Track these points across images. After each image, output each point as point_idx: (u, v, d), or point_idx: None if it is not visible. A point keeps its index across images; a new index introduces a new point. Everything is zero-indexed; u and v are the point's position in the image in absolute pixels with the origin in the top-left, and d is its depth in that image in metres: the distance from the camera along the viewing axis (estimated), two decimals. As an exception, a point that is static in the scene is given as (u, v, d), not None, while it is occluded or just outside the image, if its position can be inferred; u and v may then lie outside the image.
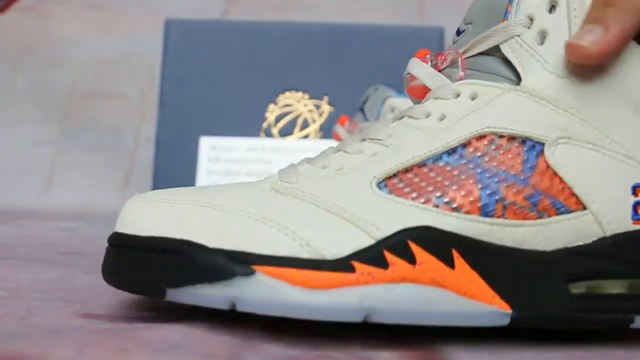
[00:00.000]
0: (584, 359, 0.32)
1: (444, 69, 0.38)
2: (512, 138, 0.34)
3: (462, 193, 0.33)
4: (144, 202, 0.34)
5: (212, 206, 0.33)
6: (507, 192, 0.33)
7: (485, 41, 0.36)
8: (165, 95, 1.06)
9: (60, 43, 1.25)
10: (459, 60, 0.37)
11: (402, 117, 0.37)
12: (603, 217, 0.34)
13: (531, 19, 0.35)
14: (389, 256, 0.31)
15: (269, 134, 1.04)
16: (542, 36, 0.35)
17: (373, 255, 0.31)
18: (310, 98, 1.06)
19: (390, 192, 0.33)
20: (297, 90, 1.06)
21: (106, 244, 0.35)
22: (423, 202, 0.33)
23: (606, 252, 0.34)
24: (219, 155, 1.03)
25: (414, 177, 0.34)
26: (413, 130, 0.35)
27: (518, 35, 0.35)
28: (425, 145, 0.34)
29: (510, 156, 0.34)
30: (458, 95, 0.36)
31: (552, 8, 0.35)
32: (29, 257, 0.57)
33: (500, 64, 0.36)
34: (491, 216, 0.33)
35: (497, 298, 0.32)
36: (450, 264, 0.32)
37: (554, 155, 0.34)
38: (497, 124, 0.34)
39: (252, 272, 0.31)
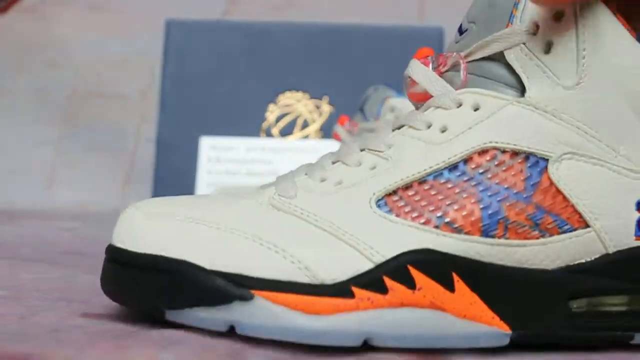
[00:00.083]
0: None
1: (445, 72, 0.37)
2: (515, 153, 0.33)
3: (463, 213, 0.32)
4: (140, 216, 0.34)
5: (209, 224, 0.32)
6: (509, 211, 0.33)
7: (489, 46, 0.35)
8: (165, 95, 1.06)
9: (61, 43, 1.25)
10: (461, 64, 0.35)
11: (402, 126, 0.36)
12: (606, 234, 0.33)
13: (537, 26, 0.34)
14: (388, 281, 0.31)
15: (269, 134, 1.05)
16: (548, 45, 0.34)
17: (372, 281, 0.31)
18: (310, 98, 1.06)
19: (390, 211, 0.33)
20: (297, 90, 1.06)
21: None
22: (423, 223, 0.32)
23: (608, 268, 0.33)
24: (219, 155, 1.03)
25: (414, 194, 0.33)
26: (413, 142, 0.34)
27: (523, 43, 0.34)
28: (425, 161, 0.33)
29: (512, 173, 0.33)
30: (460, 105, 0.35)
31: (558, 15, 0.34)
32: (30, 257, 0.57)
33: (504, 70, 0.35)
34: (492, 237, 0.32)
35: (497, 319, 0.32)
36: (450, 287, 0.31)
37: (558, 172, 0.33)
38: (500, 138, 0.33)
39: (251, 297, 0.31)
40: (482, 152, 0.33)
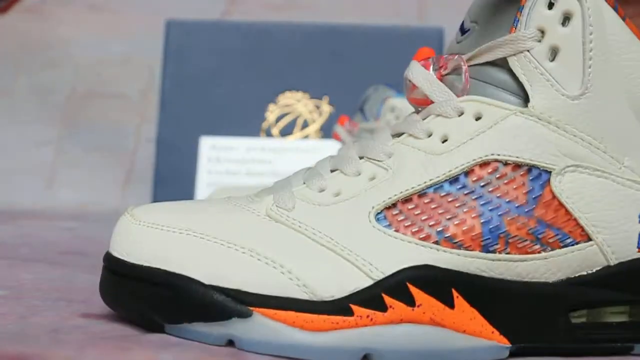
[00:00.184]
0: None
1: (445, 75, 0.36)
2: (517, 166, 0.33)
3: (464, 228, 0.32)
4: (138, 225, 0.33)
5: (207, 237, 0.32)
6: (510, 226, 0.32)
7: (491, 51, 0.34)
8: (165, 95, 1.06)
9: (61, 43, 1.25)
10: (463, 68, 0.35)
11: (402, 134, 0.35)
12: (609, 247, 0.33)
13: (542, 32, 0.33)
14: (387, 299, 0.31)
15: (269, 134, 1.05)
16: (554, 52, 0.33)
17: (371, 298, 0.31)
18: (310, 98, 1.06)
19: (389, 225, 0.32)
20: (297, 90, 1.06)
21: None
22: (423, 238, 0.32)
23: (609, 280, 0.33)
24: (219, 155, 1.03)
25: (414, 208, 0.33)
26: (413, 151, 0.34)
27: (527, 50, 0.33)
28: (426, 172, 0.33)
29: (514, 186, 0.33)
30: (461, 114, 0.34)
31: (565, 20, 0.33)
32: (30, 257, 0.57)
33: (507, 76, 0.34)
34: (493, 252, 0.32)
35: (496, 334, 0.32)
36: (449, 304, 0.31)
37: (560, 185, 0.33)
38: (502, 150, 0.33)
39: (250, 314, 0.31)
40: (484, 164, 0.33)
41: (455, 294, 0.31)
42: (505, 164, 0.33)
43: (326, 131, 1.03)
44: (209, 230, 0.32)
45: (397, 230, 0.32)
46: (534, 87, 0.33)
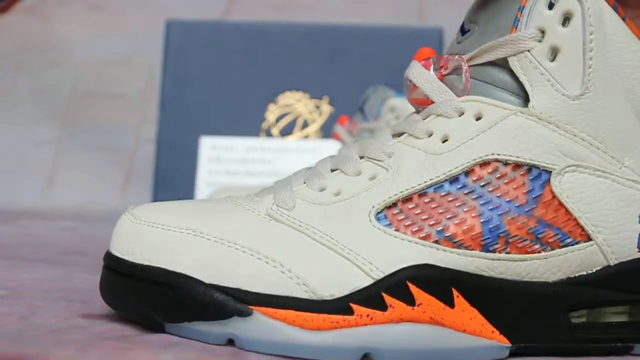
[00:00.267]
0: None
1: (446, 75, 0.36)
2: (517, 166, 0.33)
3: (464, 228, 0.32)
4: (139, 225, 0.33)
5: (207, 236, 0.32)
6: (510, 225, 0.32)
7: (492, 51, 0.34)
8: (165, 95, 1.06)
9: (61, 43, 1.25)
10: (463, 68, 0.35)
11: (402, 134, 0.35)
12: (609, 247, 0.33)
13: (543, 32, 0.33)
14: (387, 298, 0.31)
15: (269, 134, 1.05)
16: (554, 52, 0.33)
17: (371, 297, 0.31)
18: (311, 98, 1.06)
19: (390, 225, 0.32)
20: (297, 90, 1.06)
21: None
22: (423, 237, 0.32)
23: (609, 280, 0.33)
24: (220, 155, 1.03)
25: (415, 207, 0.33)
26: (414, 151, 0.34)
27: (528, 50, 0.33)
28: (426, 172, 0.33)
29: (514, 186, 0.33)
30: (462, 114, 0.34)
31: (566, 20, 0.33)
32: (30, 257, 0.57)
33: (507, 76, 0.34)
34: (493, 251, 0.32)
35: (496, 333, 0.32)
36: (449, 303, 0.31)
37: (560, 184, 0.33)
38: (503, 150, 0.33)
39: (250, 313, 0.31)
40: (484, 164, 0.33)
41: (455, 293, 0.31)
42: (506, 163, 0.33)
43: (326, 131, 1.03)
44: (209, 229, 0.32)
45: (397, 230, 0.32)
46: (534, 87, 0.33)
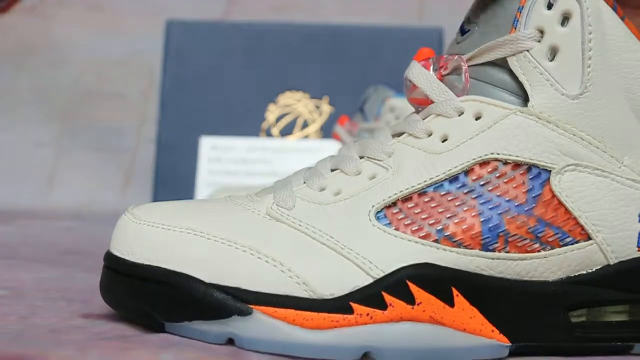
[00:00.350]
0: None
1: (446, 75, 0.36)
2: (517, 165, 0.33)
3: (464, 227, 0.32)
4: (139, 225, 0.33)
5: (207, 236, 0.32)
6: (510, 224, 0.32)
7: (491, 51, 0.34)
8: (166, 95, 1.06)
9: (61, 44, 1.25)
10: (463, 68, 0.35)
11: (402, 133, 0.35)
12: (608, 246, 0.33)
13: (542, 32, 0.33)
14: (387, 297, 0.31)
15: (269, 134, 1.05)
16: (553, 52, 0.33)
17: (371, 296, 0.31)
18: (311, 98, 1.06)
19: (389, 224, 0.32)
20: (297, 90, 1.06)
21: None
22: (423, 236, 0.32)
23: (609, 279, 0.33)
24: (220, 155, 1.03)
25: (414, 206, 0.33)
26: (414, 151, 0.34)
27: (527, 50, 0.33)
28: (426, 171, 0.33)
29: (514, 185, 0.33)
30: (461, 113, 0.34)
31: (564, 20, 0.33)
32: (30, 257, 0.57)
33: (506, 76, 0.34)
34: (492, 250, 0.32)
35: (496, 332, 0.32)
36: (449, 302, 0.31)
37: (560, 184, 0.33)
38: (502, 149, 0.33)
39: (250, 312, 0.31)
40: (484, 163, 0.33)
41: (455, 292, 0.32)
42: (505, 163, 0.33)
43: (326, 131, 1.03)
44: (210, 228, 0.32)
45: (397, 229, 0.32)
46: (533, 86, 0.33)
